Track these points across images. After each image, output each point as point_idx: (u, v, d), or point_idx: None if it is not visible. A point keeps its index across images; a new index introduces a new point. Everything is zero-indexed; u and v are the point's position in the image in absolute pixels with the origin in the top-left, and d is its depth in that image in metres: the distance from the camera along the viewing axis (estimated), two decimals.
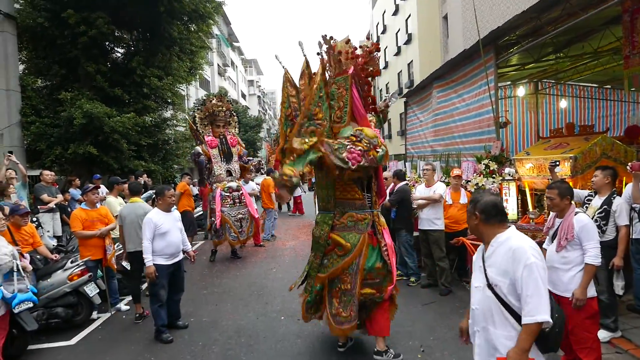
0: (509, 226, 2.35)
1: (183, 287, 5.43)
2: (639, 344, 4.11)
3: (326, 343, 4.60)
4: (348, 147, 3.65)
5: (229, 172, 8.98)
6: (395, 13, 29.89)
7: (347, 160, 3.57)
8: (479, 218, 2.35)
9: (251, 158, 10.35)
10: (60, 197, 7.98)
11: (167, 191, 5.17)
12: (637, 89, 10.27)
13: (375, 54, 4.18)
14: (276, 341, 4.75)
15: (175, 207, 5.41)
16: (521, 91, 10.42)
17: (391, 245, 4.22)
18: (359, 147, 3.69)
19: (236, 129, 9.61)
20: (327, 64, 4.20)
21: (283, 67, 4.30)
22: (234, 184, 8.83)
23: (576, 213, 3.44)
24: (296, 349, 4.55)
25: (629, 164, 4.25)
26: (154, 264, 4.88)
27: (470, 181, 7.00)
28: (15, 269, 4.37)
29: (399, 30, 29.56)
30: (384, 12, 33.10)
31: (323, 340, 4.68)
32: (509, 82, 10.78)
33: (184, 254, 5.37)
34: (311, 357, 4.34)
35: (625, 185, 5.01)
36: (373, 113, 4.57)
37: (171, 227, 5.07)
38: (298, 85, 4.35)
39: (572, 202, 3.54)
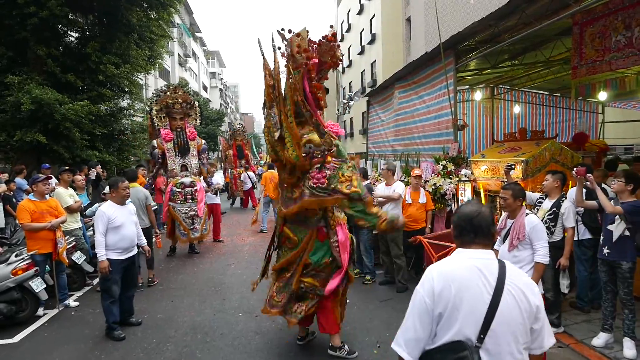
0: (484, 249, 1.86)
1: (137, 282, 5.28)
2: (580, 339, 4.38)
3: (284, 339, 4.60)
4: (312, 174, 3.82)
5: (184, 167, 8.70)
6: (360, 12, 30.19)
7: (314, 186, 3.80)
8: (453, 233, 1.99)
9: (211, 158, 10.08)
10: (3, 186, 7.50)
11: (121, 183, 5.00)
12: (583, 98, 10.93)
13: (332, 43, 3.97)
14: (233, 338, 4.70)
15: (130, 200, 5.24)
16: (478, 95, 10.81)
17: (343, 241, 4.11)
18: (323, 174, 3.79)
19: (197, 121, 9.33)
20: (288, 57, 4.02)
21: (263, 55, 3.94)
22: (187, 180, 8.52)
23: (527, 214, 3.63)
24: (254, 345, 4.52)
25: (575, 169, 4.49)
26: (107, 259, 4.71)
27: (428, 181, 7.19)
28: None
29: (363, 29, 29.89)
30: (349, 10, 33.35)
31: (281, 337, 4.68)
32: (467, 86, 11.16)
33: (138, 248, 5.21)
34: (269, 354, 4.33)
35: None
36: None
37: (125, 220, 4.92)
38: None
39: (524, 204, 3.73)
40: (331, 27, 4.34)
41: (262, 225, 11.28)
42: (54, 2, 9.91)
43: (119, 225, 4.83)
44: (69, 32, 12.34)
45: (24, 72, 10.51)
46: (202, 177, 9.03)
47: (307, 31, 3.91)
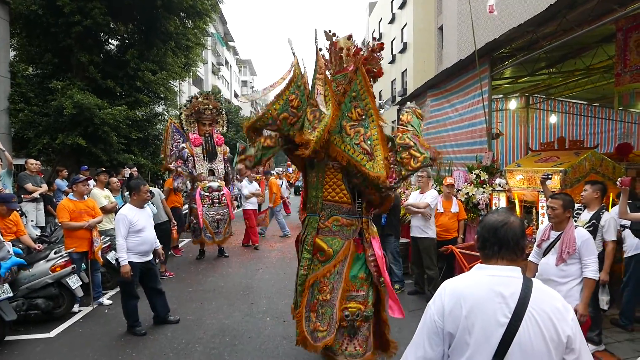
0: (509, 265, 1.66)
1: (159, 281, 5.28)
2: (622, 358, 4.16)
3: None
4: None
5: (212, 172, 8.87)
6: (391, 22, 30.13)
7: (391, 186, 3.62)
8: (476, 245, 1.79)
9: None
10: (44, 187, 7.81)
11: (143, 187, 5.04)
12: (625, 108, 10.50)
13: (378, 53, 3.95)
14: (261, 342, 4.70)
15: (150, 202, 5.34)
16: (513, 104, 10.56)
17: (380, 256, 3.81)
18: (392, 172, 3.62)
19: (224, 128, 9.48)
20: (328, 61, 4.01)
21: (294, 53, 3.87)
22: (214, 184, 8.69)
23: (575, 227, 3.49)
24: (281, 350, 4.50)
25: (619, 179, 4.30)
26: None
27: (460, 190, 7.04)
28: None
29: (394, 38, 29.78)
30: (380, 20, 33.33)
31: None
32: (501, 95, 10.92)
33: (154, 252, 5.23)
34: (296, 359, 4.30)
35: (613, 201, 5.09)
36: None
37: (145, 223, 4.98)
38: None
39: (572, 216, 3.58)
40: (374, 38, 4.29)
41: (286, 230, 11.57)
42: (98, 11, 10.39)
43: (140, 229, 4.87)
44: (110, 40, 12.90)
45: (67, 78, 11.04)
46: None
47: (351, 35, 3.90)
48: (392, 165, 3.61)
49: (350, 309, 3.64)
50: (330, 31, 3.91)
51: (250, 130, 3.86)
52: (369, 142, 3.50)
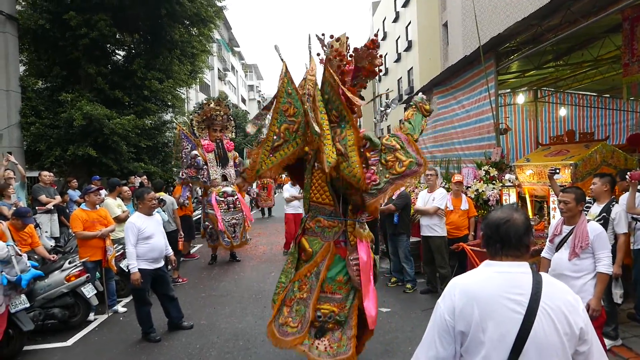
0: (516, 261, 1.64)
1: (172, 288, 5.34)
2: None
3: None
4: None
5: (225, 177, 8.98)
6: (395, 20, 30.07)
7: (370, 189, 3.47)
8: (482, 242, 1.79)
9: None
10: (58, 198, 7.96)
11: (147, 194, 5.09)
12: (636, 98, 10.35)
13: (370, 50, 3.75)
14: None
15: (160, 209, 5.39)
16: (521, 99, 10.47)
17: (365, 261, 3.58)
18: (371, 172, 3.52)
19: (233, 134, 9.63)
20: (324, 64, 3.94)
21: (282, 59, 3.89)
22: (229, 189, 8.77)
23: (588, 221, 3.45)
24: (295, 353, 4.50)
25: (628, 173, 4.25)
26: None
27: (470, 187, 7.00)
28: (12, 253, 4.39)
29: (399, 37, 29.73)
30: (384, 19, 33.29)
31: None
32: (508, 90, 10.84)
33: (165, 259, 5.28)
34: None
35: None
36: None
37: (154, 230, 5.02)
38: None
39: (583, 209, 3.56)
40: (376, 35, 4.24)
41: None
42: (103, 23, 10.52)
43: (148, 236, 4.91)
44: (117, 51, 13.06)
45: (76, 89, 11.18)
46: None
47: (347, 37, 3.85)
48: (372, 167, 3.54)
49: (322, 310, 3.62)
50: (323, 35, 3.88)
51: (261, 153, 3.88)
52: (343, 143, 3.50)
